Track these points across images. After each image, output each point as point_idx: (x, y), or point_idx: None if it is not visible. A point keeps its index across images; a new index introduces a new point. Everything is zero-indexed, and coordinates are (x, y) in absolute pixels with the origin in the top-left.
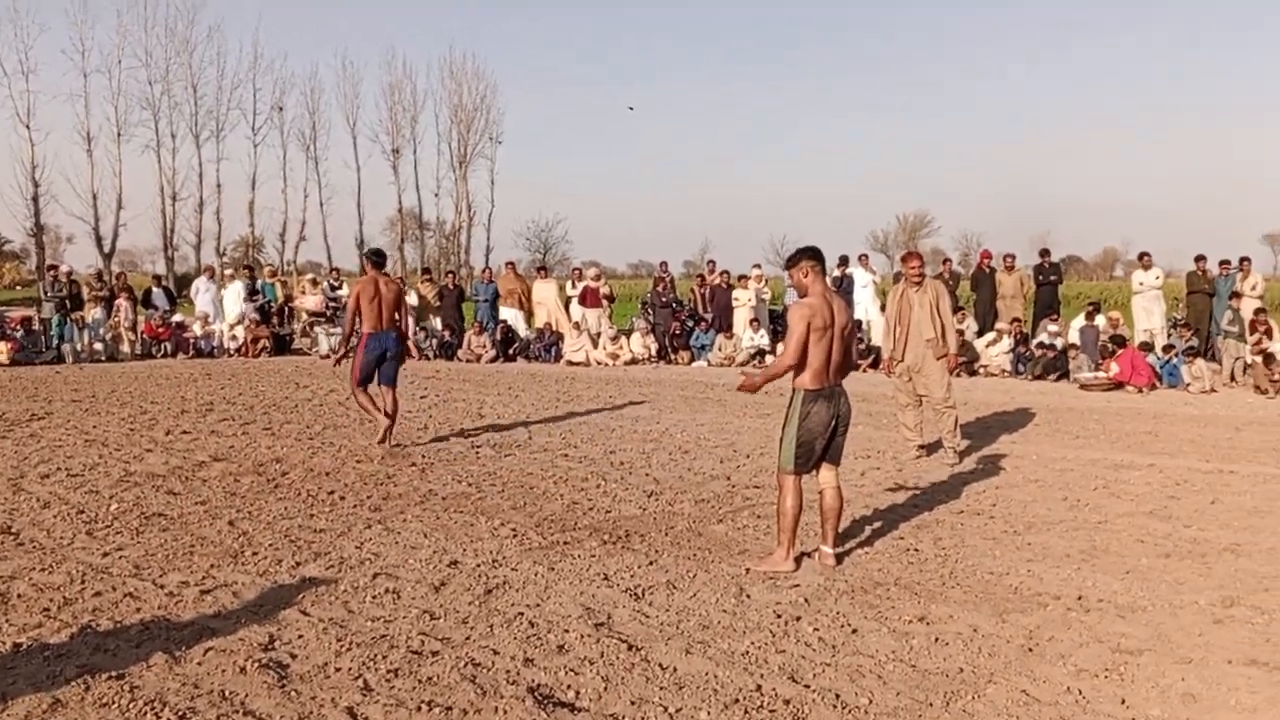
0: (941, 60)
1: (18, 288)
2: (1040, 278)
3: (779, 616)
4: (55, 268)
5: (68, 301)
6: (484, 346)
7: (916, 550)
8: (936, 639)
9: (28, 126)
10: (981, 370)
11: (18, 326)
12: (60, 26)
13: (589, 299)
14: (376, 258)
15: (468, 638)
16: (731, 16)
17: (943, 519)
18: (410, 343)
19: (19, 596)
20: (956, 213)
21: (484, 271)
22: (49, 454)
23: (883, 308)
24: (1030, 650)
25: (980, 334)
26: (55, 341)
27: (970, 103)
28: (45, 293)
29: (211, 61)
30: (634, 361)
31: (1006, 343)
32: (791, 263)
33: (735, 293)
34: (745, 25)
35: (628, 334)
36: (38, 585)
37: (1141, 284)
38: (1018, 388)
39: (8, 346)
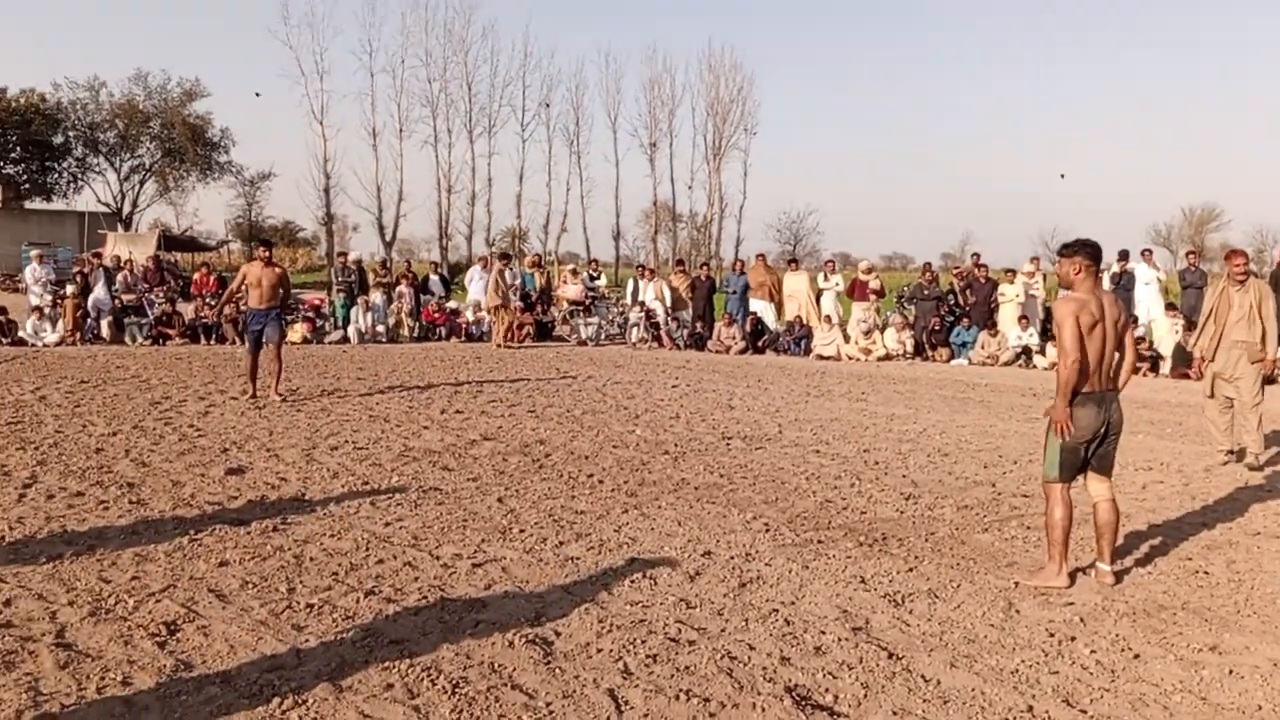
0: (1236, 39)
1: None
2: None
3: (1052, 635)
4: (345, 255)
5: (354, 286)
6: (733, 338)
7: (1206, 573)
8: (1230, 671)
9: (321, 123)
10: None
11: (310, 309)
12: (351, 29)
13: (857, 292)
14: (267, 245)
15: (723, 630)
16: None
17: (1236, 540)
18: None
19: (311, 560)
20: (1250, 206)
21: (736, 264)
22: (337, 427)
23: (1168, 307)
24: None
25: None
26: (342, 323)
27: (1267, 84)
28: (335, 278)
29: (485, 60)
30: (888, 357)
31: None
32: (1067, 252)
33: (1001, 287)
34: (1007, 8)
35: (882, 329)
36: (328, 550)
37: None
38: None
39: (303, 326)
